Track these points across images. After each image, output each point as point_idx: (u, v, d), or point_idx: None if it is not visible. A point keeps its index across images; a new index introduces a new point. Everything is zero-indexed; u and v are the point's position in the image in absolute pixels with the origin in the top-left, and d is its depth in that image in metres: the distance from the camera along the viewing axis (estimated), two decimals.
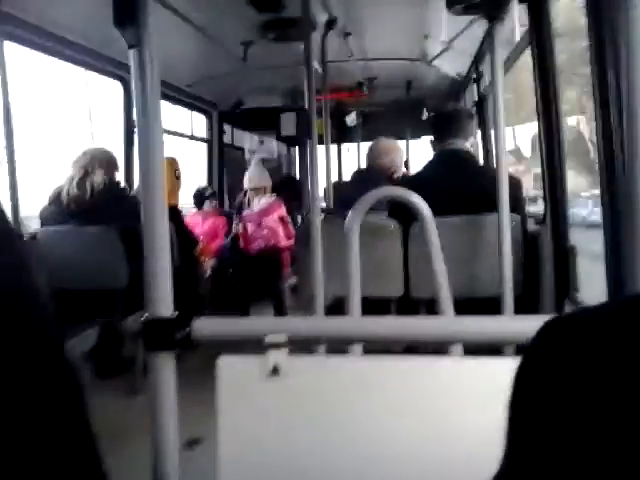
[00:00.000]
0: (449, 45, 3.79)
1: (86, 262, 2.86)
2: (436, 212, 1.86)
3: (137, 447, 1.08)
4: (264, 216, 4.30)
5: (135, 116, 1.06)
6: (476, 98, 4.25)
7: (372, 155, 3.23)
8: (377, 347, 1.13)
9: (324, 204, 3.61)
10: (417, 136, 5.91)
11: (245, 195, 4.52)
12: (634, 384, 0.31)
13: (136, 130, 1.06)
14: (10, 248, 0.55)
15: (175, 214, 3.61)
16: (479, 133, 4.13)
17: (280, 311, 4.08)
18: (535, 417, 0.36)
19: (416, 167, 3.91)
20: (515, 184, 2.28)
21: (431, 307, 1.80)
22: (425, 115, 5.43)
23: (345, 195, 2.47)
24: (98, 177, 3.09)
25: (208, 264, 4.27)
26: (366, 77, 4.84)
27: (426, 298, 2.05)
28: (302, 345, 1.06)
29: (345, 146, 6.60)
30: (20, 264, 0.55)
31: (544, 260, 2.15)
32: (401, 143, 4.27)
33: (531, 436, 0.36)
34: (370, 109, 5.72)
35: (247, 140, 6.42)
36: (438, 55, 4.08)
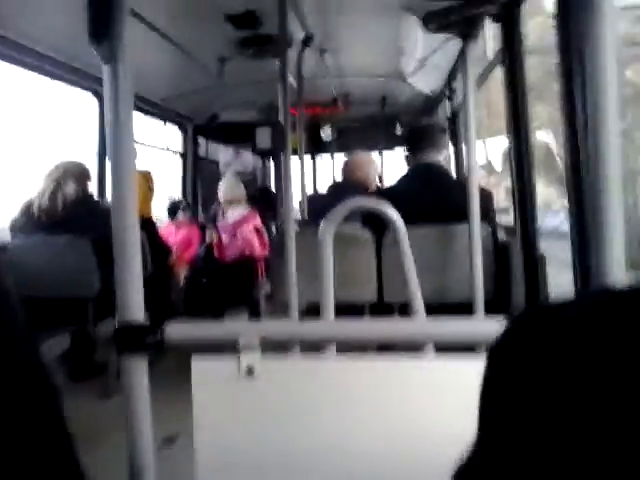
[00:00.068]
0: (423, 62, 3.87)
1: (58, 271, 2.84)
2: (409, 223, 1.89)
3: (112, 448, 1.07)
4: (239, 227, 4.31)
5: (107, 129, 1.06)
6: (449, 114, 4.33)
7: (347, 169, 3.27)
8: (350, 349, 1.14)
9: (299, 216, 3.63)
10: (390, 148, 5.99)
11: (219, 206, 4.53)
12: (601, 376, 0.32)
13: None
14: None
15: (149, 225, 3.60)
16: (451, 147, 4.20)
17: (254, 317, 4.08)
18: (503, 407, 0.37)
19: (390, 179, 3.96)
20: (486, 196, 2.33)
21: (404, 311, 1.83)
22: (399, 130, 5.51)
23: (320, 207, 2.49)
24: (70, 189, 3.07)
25: (181, 273, 4.27)
26: (341, 93, 4.90)
27: (399, 302, 2.07)
28: (276, 348, 1.06)
29: (319, 158, 6.66)
30: None
31: (514, 269, 2.20)
32: (375, 155, 4.33)
33: (498, 425, 0.37)
34: (345, 124, 5.78)
35: (222, 153, 6.43)
36: (413, 72, 4.16)
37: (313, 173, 6.64)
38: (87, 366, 3.00)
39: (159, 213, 4.59)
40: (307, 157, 5.68)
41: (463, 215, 2.09)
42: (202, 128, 5.52)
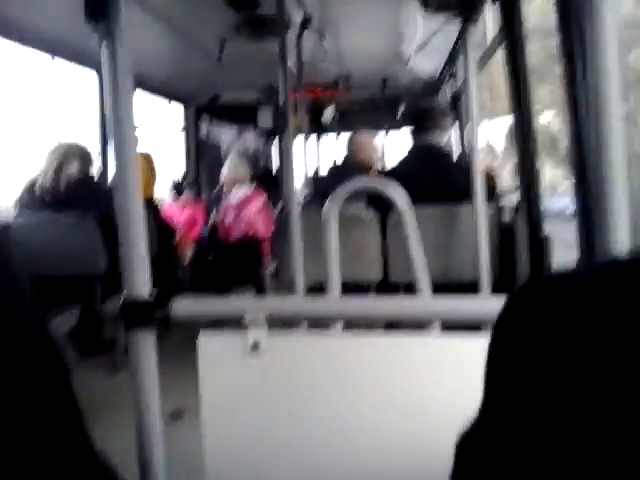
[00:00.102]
0: (424, 45, 3.84)
1: (63, 249, 2.86)
2: (413, 205, 1.89)
3: (120, 423, 1.09)
4: (243, 207, 4.30)
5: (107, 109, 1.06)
6: (451, 96, 4.31)
7: (350, 149, 3.27)
8: (356, 326, 1.15)
9: (302, 197, 3.63)
10: (394, 128, 5.97)
11: (223, 186, 4.51)
12: (603, 344, 0.32)
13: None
14: None
15: (152, 206, 3.60)
16: (455, 130, 4.19)
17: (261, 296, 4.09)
18: (507, 375, 0.37)
19: (392, 160, 3.95)
20: (490, 178, 2.34)
21: (409, 291, 1.84)
22: (401, 112, 5.49)
23: (323, 188, 2.49)
24: (72, 170, 3.07)
25: (187, 252, 4.28)
26: (342, 76, 4.87)
27: (405, 282, 2.09)
28: (283, 324, 1.07)
29: (322, 138, 6.63)
30: (8, 257, 0.57)
31: (519, 249, 2.21)
32: (377, 137, 4.31)
33: (502, 393, 0.37)
34: (346, 105, 5.76)
35: (224, 133, 6.41)
36: (413, 55, 4.13)
37: (317, 154, 6.62)
38: (95, 343, 3.02)
39: (162, 194, 4.59)
40: (311, 138, 5.65)
41: (463, 197, 2.10)
42: (204, 109, 5.51)
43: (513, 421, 0.36)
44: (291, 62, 2.81)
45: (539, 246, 2.02)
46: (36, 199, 3.03)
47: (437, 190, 2.33)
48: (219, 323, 1.07)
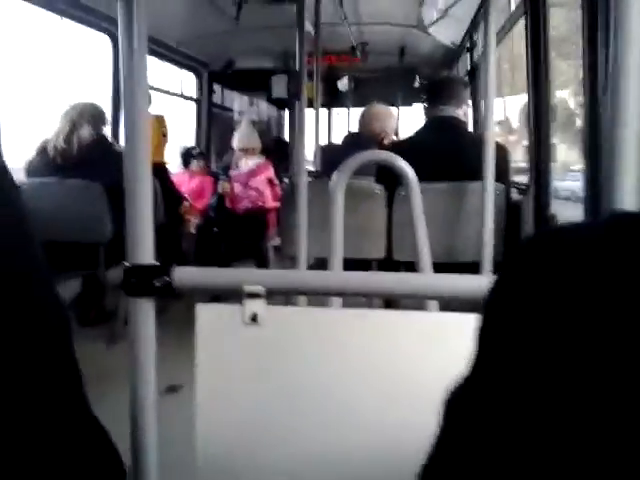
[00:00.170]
0: (445, 12, 3.76)
1: (70, 215, 2.86)
2: (422, 177, 1.87)
3: (116, 394, 1.10)
4: (252, 177, 4.29)
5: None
6: (469, 67, 4.23)
7: (363, 120, 3.23)
8: (357, 303, 1.15)
9: (312, 167, 3.61)
10: (408, 103, 5.88)
11: (234, 155, 4.49)
12: (607, 298, 0.31)
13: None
14: (12, 200, 0.57)
15: (161, 171, 3.60)
16: (470, 102, 4.12)
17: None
18: (503, 327, 0.36)
19: (406, 134, 3.91)
20: (503, 153, 2.29)
21: (411, 269, 1.83)
22: (417, 83, 5.40)
23: (333, 159, 2.47)
24: (85, 131, 3.06)
25: (193, 222, 4.28)
26: (359, 42, 4.79)
27: (407, 261, 2.07)
28: (283, 298, 1.07)
29: (335, 110, 6.57)
30: (20, 215, 0.57)
31: (525, 229, 2.18)
32: (392, 110, 4.26)
33: (500, 344, 0.36)
34: (362, 75, 5.67)
35: (237, 101, 6.36)
36: (433, 22, 4.04)
37: (328, 125, 6.56)
38: (96, 312, 3.04)
39: (172, 161, 4.57)
40: (323, 110, 5.59)
41: (477, 171, 2.06)
42: (217, 75, 5.45)
43: (508, 376, 0.35)
44: (308, 27, 2.76)
45: (545, 224, 1.99)
46: (48, 161, 3.03)
47: (451, 162, 2.29)
48: (221, 298, 1.07)
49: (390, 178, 2.08)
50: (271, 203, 4.25)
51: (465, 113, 2.58)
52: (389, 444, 0.98)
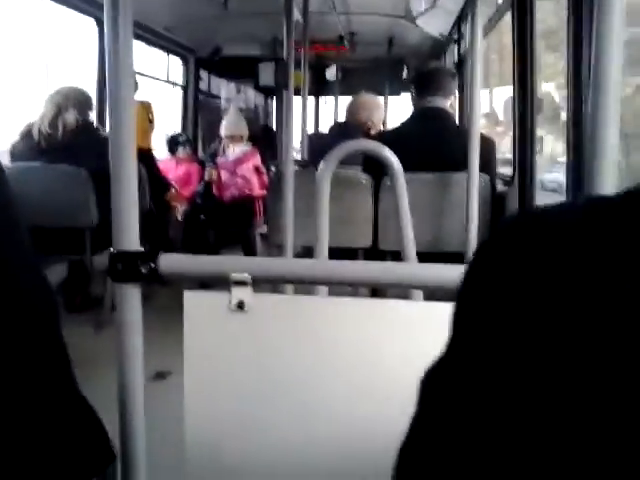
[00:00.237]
0: (433, 3, 3.76)
1: (56, 200, 2.84)
2: (408, 167, 1.88)
3: (104, 380, 1.10)
4: (239, 164, 4.28)
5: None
6: (456, 59, 4.24)
7: (351, 109, 3.23)
8: (342, 292, 1.16)
9: (299, 156, 3.60)
10: (396, 93, 5.88)
11: (221, 142, 4.47)
12: (585, 280, 0.31)
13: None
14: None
15: (147, 157, 3.58)
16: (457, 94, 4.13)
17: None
18: (480, 307, 0.36)
19: (393, 124, 3.92)
20: (488, 144, 2.31)
21: (398, 259, 1.84)
22: (405, 73, 5.41)
23: (320, 147, 2.47)
24: (71, 116, 3.03)
25: (180, 210, 4.26)
26: (347, 31, 4.78)
27: (393, 250, 2.09)
28: (270, 286, 1.07)
29: (323, 99, 6.55)
30: (6, 200, 0.57)
31: None
32: (380, 99, 4.26)
33: (476, 324, 0.36)
34: (350, 64, 5.66)
35: (224, 88, 6.32)
36: (422, 13, 4.04)
37: (315, 114, 6.54)
38: (82, 298, 3.03)
39: (158, 148, 4.53)
40: (311, 99, 5.57)
41: (463, 162, 2.08)
42: (204, 61, 5.41)
43: (482, 354, 0.34)
44: (297, 15, 2.75)
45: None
46: (33, 146, 3.00)
47: (437, 153, 2.30)
48: (209, 285, 1.08)
49: (376, 168, 2.09)
50: (258, 191, 4.24)
51: (452, 104, 2.59)
52: (375, 430, 0.99)
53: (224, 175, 4.30)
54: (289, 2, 2.28)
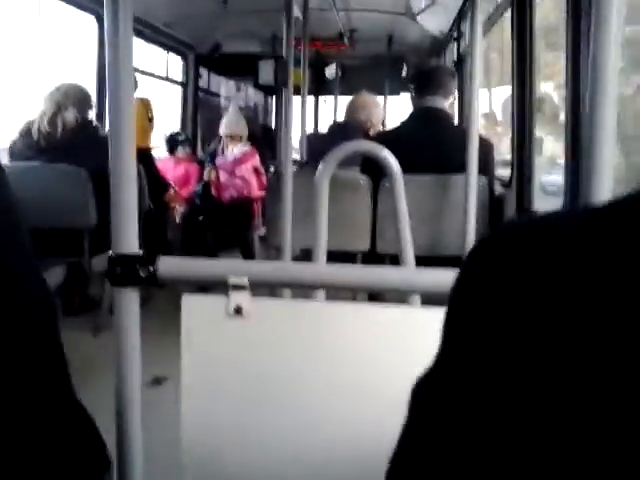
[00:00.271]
0: (433, 0, 3.75)
1: (54, 200, 2.82)
2: (407, 168, 1.88)
3: (101, 383, 1.10)
4: (238, 165, 4.26)
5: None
6: (456, 58, 4.23)
7: (350, 109, 3.23)
8: (340, 296, 1.16)
9: (298, 156, 3.59)
10: (396, 92, 5.87)
11: (220, 142, 4.46)
12: (572, 291, 0.31)
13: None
14: (0, 186, 0.57)
15: (146, 157, 3.56)
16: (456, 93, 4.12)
17: (248, 259, 4.10)
18: (470, 318, 0.36)
19: (393, 124, 3.92)
20: (487, 146, 2.31)
21: (396, 262, 1.84)
22: (405, 72, 5.39)
23: (319, 148, 2.47)
24: (70, 114, 3.02)
25: (178, 210, 4.24)
26: (347, 29, 4.77)
27: (391, 254, 2.08)
28: (268, 290, 1.07)
29: (322, 98, 6.54)
30: (8, 202, 0.57)
31: None
32: (379, 99, 4.25)
33: (466, 335, 0.36)
34: (350, 62, 5.65)
35: (224, 86, 6.31)
36: (422, 10, 4.03)
37: (315, 114, 6.53)
38: (80, 300, 3.01)
39: (157, 147, 4.51)
40: (310, 99, 5.55)
41: (461, 164, 2.07)
42: (204, 58, 5.39)
43: (472, 364, 0.34)
44: (296, 12, 2.74)
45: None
46: (32, 144, 2.99)
47: (435, 153, 2.30)
48: (208, 287, 1.08)
49: (375, 169, 2.09)
50: (256, 192, 4.23)
51: (451, 104, 2.59)
52: (372, 435, 1.00)
53: (223, 176, 4.28)
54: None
